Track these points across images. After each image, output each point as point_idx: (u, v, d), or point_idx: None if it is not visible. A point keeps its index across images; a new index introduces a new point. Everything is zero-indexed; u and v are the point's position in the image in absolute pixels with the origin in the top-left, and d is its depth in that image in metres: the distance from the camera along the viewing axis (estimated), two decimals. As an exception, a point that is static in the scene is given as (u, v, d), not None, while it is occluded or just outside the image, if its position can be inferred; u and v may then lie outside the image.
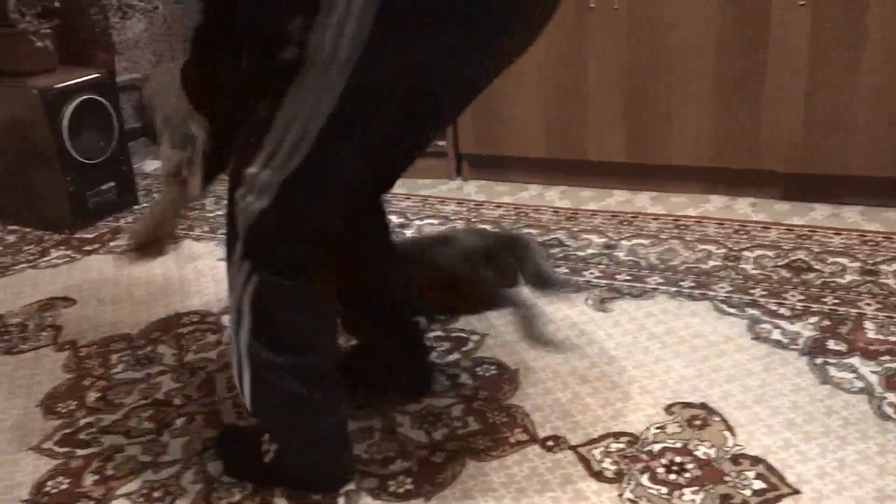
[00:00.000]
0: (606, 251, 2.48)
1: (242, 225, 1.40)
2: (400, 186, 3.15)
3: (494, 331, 2.08)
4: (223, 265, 2.57)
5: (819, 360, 1.87)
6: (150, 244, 1.76)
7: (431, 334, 2.07)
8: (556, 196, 2.99)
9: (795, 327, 2.00)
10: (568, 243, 2.55)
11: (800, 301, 2.12)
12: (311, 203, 1.40)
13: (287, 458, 1.54)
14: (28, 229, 3.00)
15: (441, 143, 3.12)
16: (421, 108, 1.48)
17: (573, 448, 1.64)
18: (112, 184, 3.07)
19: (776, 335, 1.98)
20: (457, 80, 1.50)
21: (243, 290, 1.43)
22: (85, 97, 2.92)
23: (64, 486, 1.64)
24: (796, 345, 1.93)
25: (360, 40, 1.22)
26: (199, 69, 1.46)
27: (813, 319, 2.03)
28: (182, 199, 1.68)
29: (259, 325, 1.44)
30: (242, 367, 1.46)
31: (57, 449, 1.75)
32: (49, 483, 1.65)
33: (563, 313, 2.13)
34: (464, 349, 2.01)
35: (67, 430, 1.81)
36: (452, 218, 2.80)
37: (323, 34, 1.23)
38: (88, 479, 1.65)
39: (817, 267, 2.30)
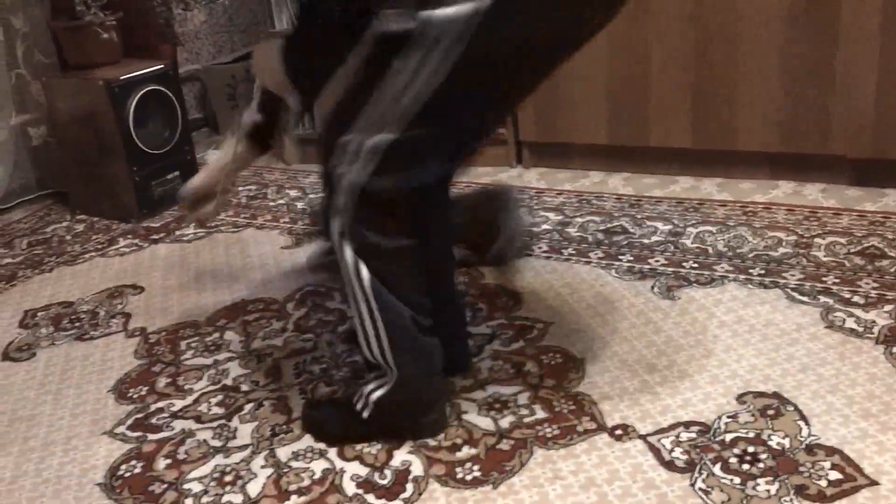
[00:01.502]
0: (672, 238, 2.44)
1: (348, 191, 1.46)
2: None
3: (560, 319, 2.06)
4: (287, 253, 2.58)
5: (895, 349, 1.82)
6: (204, 199, 1.84)
7: (486, 325, 2.06)
8: (619, 183, 2.95)
9: (870, 315, 1.95)
10: (632, 231, 2.52)
11: (874, 289, 2.07)
12: (415, 165, 1.46)
13: (395, 397, 1.63)
14: (96, 218, 3.07)
15: (501, 130, 3.10)
16: (513, 80, 1.51)
17: (643, 437, 1.62)
18: (177, 173, 3.11)
19: (850, 323, 1.93)
20: (549, 52, 1.51)
21: (357, 277, 1.52)
22: (149, 88, 2.97)
23: (137, 470, 1.67)
24: (871, 333, 1.88)
25: (478, 13, 1.27)
26: (303, 40, 1.53)
27: (888, 307, 1.98)
28: (242, 158, 1.81)
29: (380, 299, 1.54)
30: (379, 333, 1.56)
31: (129, 433, 1.79)
32: (123, 467, 1.68)
33: (629, 301, 2.11)
34: (528, 337, 1.99)
35: (139, 416, 1.84)
36: (514, 205, 2.78)
37: (436, 7, 1.28)
38: (161, 463, 1.68)
39: (891, 254, 2.23)
